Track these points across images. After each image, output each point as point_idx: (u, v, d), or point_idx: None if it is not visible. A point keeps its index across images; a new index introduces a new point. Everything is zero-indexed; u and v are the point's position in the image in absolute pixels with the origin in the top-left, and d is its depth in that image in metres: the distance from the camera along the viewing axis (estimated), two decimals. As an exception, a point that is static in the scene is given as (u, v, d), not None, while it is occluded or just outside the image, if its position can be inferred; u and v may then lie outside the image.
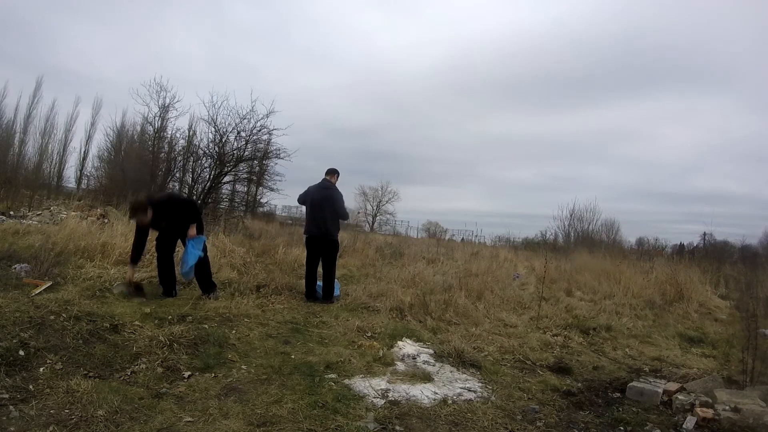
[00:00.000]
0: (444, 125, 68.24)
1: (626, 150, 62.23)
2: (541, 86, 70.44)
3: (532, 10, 70.23)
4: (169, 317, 3.83)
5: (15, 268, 4.72)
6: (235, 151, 12.07)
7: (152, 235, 4.86)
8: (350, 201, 41.44)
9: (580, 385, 3.53)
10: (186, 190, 13.39)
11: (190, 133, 13.85)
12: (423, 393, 2.99)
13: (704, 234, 23.23)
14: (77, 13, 51.62)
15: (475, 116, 69.48)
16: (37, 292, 3.96)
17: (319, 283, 5.58)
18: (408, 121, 68.86)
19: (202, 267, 4.80)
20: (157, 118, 13.34)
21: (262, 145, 12.40)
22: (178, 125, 18.24)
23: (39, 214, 11.12)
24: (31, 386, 2.43)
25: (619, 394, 3.35)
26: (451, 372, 3.49)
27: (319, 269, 5.64)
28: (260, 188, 15.67)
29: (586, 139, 65.72)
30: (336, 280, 5.78)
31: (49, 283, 4.23)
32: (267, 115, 11.75)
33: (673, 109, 63.52)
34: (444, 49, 71.45)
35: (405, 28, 74.01)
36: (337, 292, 5.68)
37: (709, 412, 2.86)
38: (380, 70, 69.86)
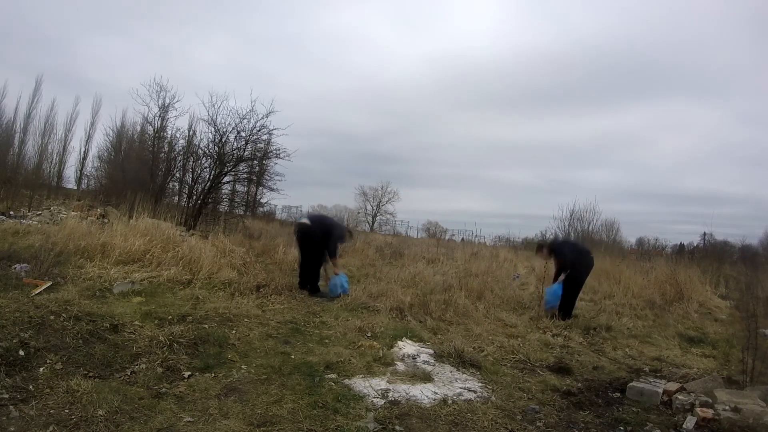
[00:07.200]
0: (446, 132, 68.74)
1: (626, 154, 62.35)
2: (541, 95, 70.69)
3: (533, 32, 70.63)
4: (169, 317, 3.83)
5: (15, 268, 4.72)
6: (235, 151, 12.07)
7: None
8: (350, 201, 41.57)
9: (580, 385, 3.53)
10: (186, 190, 13.39)
11: (190, 133, 13.82)
12: (423, 393, 2.99)
13: (704, 234, 23.20)
14: (80, 20, 51.48)
15: (477, 123, 69.79)
16: (37, 292, 3.96)
17: None
18: (411, 128, 69.22)
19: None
20: (157, 118, 13.31)
21: (262, 145, 12.41)
22: (178, 125, 18.18)
23: (39, 214, 11.13)
24: (31, 386, 2.43)
25: (619, 394, 3.35)
26: (451, 372, 3.49)
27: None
28: (260, 188, 15.67)
29: (586, 144, 65.97)
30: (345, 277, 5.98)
31: (49, 283, 4.23)
32: (267, 115, 11.75)
33: (672, 115, 63.62)
34: (450, 63, 71.87)
35: (416, 43, 74.55)
36: (344, 289, 5.79)
37: (709, 412, 2.85)
38: (388, 79, 70.19)
